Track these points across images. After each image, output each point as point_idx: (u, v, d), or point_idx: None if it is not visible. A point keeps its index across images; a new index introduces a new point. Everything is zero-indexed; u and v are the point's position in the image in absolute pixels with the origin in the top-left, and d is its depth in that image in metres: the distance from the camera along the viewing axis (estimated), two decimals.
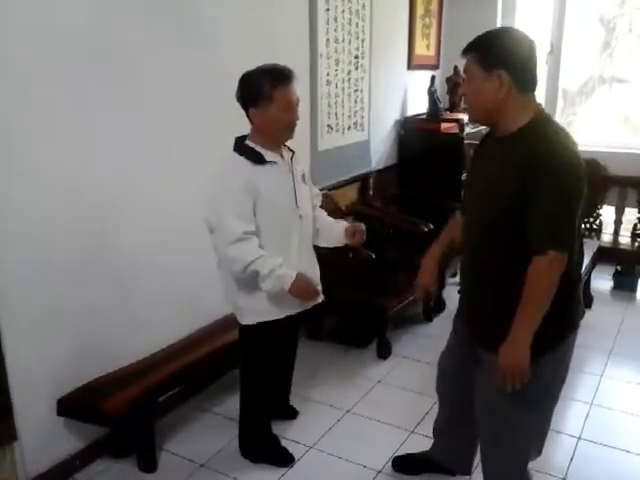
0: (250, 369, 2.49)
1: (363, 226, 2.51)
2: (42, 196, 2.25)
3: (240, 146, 2.26)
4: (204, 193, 2.26)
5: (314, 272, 2.48)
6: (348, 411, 2.96)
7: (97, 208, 2.46)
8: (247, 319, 2.38)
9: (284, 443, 2.67)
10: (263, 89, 2.16)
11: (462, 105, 2.02)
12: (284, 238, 2.30)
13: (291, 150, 2.39)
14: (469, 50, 1.79)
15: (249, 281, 2.25)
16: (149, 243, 2.67)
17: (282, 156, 2.32)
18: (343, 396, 3.08)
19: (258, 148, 2.25)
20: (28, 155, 2.19)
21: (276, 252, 2.24)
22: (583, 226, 4.90)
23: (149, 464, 2.53)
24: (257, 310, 2.34)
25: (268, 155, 2.25)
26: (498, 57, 1.73)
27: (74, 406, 2.43)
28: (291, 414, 2.89)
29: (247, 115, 2.25)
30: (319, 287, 2.46)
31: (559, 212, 1.68)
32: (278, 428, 2.78)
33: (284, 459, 2.58)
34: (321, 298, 2.41)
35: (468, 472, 2.41)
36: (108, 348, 2.59)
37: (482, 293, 1.92)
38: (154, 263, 2.72)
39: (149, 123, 2.63)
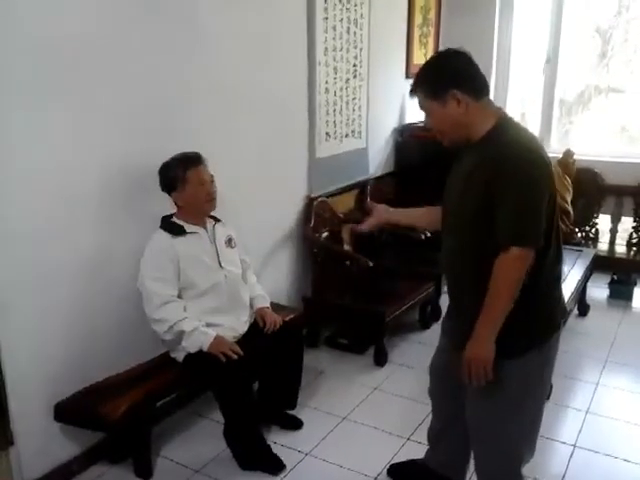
0: (222, 392, 2.53)
1: (271, 316, 2.77)
2: (42, 198, 2.26)
3: (163, 222, 2.57)
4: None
5: (242, 325, 2.71)
6: (344, 418, 2.97)
7: (96, 209, 2.48)
8: (180, 353, 2.55)
9: (280, 450, 2.68)
10: (177, 174, 2.51)
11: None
12: (213, 296, 2.59)
13: (215, 220, 2.71)
14: (415, 90, 1.88)
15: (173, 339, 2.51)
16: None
17: (205, 227, 2.64)
18: (340, 403, 3.08)
19: (180, 222, 2.58)
20: (29, 157, 2.20)
21: (207, 308, 2.56)
22: (579, 234, 4.93)
23: (145, 470, 2.53)
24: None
25: (188, 227, 2.57)
26: (443, 81, 1.81)
27: (71, 411, 2.43)
28: (294, 424, 2.88)
29: (171, 198, 2.57)
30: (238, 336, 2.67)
31: (522, 209, 1.72)
32: (274, 435, 2.79)
33: (275, 466, 2.58)
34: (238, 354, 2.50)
35: (463, 477, 2.41)
36: (106, 353, 2.59)
37: (463, 294, 1.96)
38: None
39: (149, 125, 2.64)
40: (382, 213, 2.24)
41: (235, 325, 2.66)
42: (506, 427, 1.96)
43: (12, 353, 2.23)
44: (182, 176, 2.50)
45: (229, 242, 2.73)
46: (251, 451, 2.58)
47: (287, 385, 2.84)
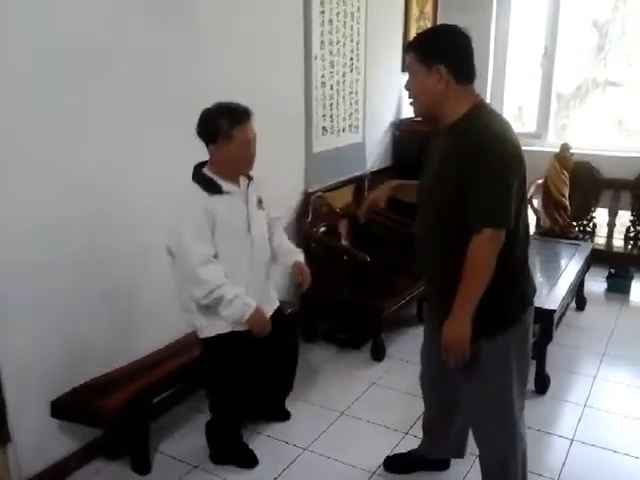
0: (214, 382, 2.51)
1: (307, 271, 2.62)
2: (38, 197, 2.25)
3: (198, 175, 2.35)
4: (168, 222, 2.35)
5: (266, 297, 2.54)
6: (342, 413, 2.97)
7: (92, 211, 2.46)
8: (207, 332, 2.42)
9: (278, 445, 2.69)
10: (222, 128, 2.26)
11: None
12: (234, 263, 2.37)
13: (249, 177, 2.47)
14: (411, 48, 1.91)
15: (207, 306, 2.34)
16: (146, 245, 2.67)
17: (239, 185, 2.41)
18: (337, 398, 3.08)
19: (215, 178, 2.34)
20: (26, 157, 2.19)
21: (228, 275, 2.32)
22: (577, 228, 4.93)
23: (143, 465, 2.53)
24: (217, 323, 2.38)
25: (224, 185, 2.34)
26: (436, 53, 1.85)
27: (68, 408, 2.42)
28: (283, 417, 2.89)
29: (207, 149, 2.34)
30: (271, 311, 2.55)
31: (494, 192, 1.77)
32: (272, 430, 2.80)
33: (248, 461, 2.58)
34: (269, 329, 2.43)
35: (461, 455, 2.45)
36: (102, 349, 2.58)
37: (439, 279, 2.00)
38: (149, 265, 2.72)
39: (147, 123, 2.63)
40: (381, 193, 2.29)
41: (264, 302, 2.49)
42: (497, 407, 2.02)
43: (9, 350, 2.22)
44: (227, 131, 2.26)
45: (259, 203, 2.50)
46: (227, 446, 2.60)
47: (281, 383, 2.83)
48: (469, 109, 1.86)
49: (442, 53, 1.84)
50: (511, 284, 1.90)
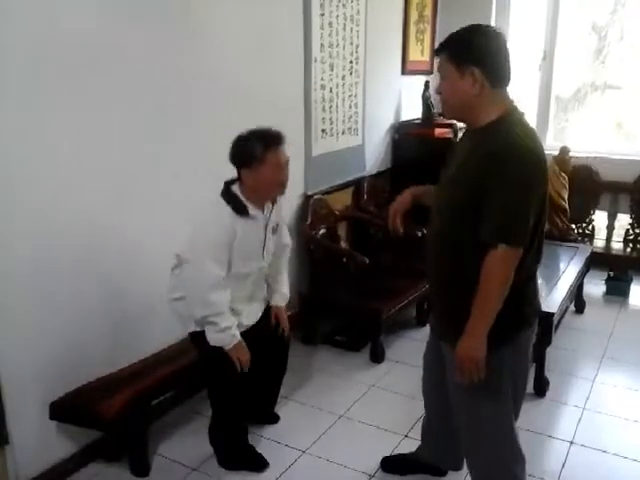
0: (215, 382, 2.51)
1: (284, 318, 2.71)
2: (35, 198, 2.25)
3: (227, 194, 2.37)
4: (190, 217, 2.38)
5: (256, 316, 2.60)
6: (341, 415, 2.96)
7: (91, 213, 2.46)
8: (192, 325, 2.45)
9: (277, 447, 2.68)
10: (255, 152, 2.29)
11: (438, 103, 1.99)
12: (241, 280, 2.44)
13: (273, 201, 2.50)
14: (442, 49, 1.84)
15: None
16: (144, 247, 2.67)
17: (263, 211, 2.45)
18: (336, 400, 3.08)
19: (243, 199, 2.36)
20: (26, 156, 2.19)
21: (235, 294, 2.40)
22: (576, 231, 4.94)
23: (142, 468, 2.53)
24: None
25: (251, 208, 2.38)
26: (470, 54, 1.77)
27: (66, 410, 2.42)
28: (272, 420, 2.88)
29: (239, 174, 2.37)
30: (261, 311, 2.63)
31: (511, 207, 1.71)
32: (271, 432, 2.79)
33: (259, 465, 2.57)
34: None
35: (459, 467, 2.42)
36: (101, 352, 2.58)
37: (442, 286, 1.96)
38: (148, 267, 2.72)
39: (146, 125, 2.63)
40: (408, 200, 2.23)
41: (251, 314, 2.56)
42: (489, 425, 1.98)
43: (7, 352, 2.21)
44: (260, 155, 2.29)
45: (274, 230, 2.55)
46: (235, 450, 2.58)
47: (271, 387, 2.83)
48: (499, 116, 1.79)
49: (476, 55, 1.76)
50: (510, 301, 1.81)
